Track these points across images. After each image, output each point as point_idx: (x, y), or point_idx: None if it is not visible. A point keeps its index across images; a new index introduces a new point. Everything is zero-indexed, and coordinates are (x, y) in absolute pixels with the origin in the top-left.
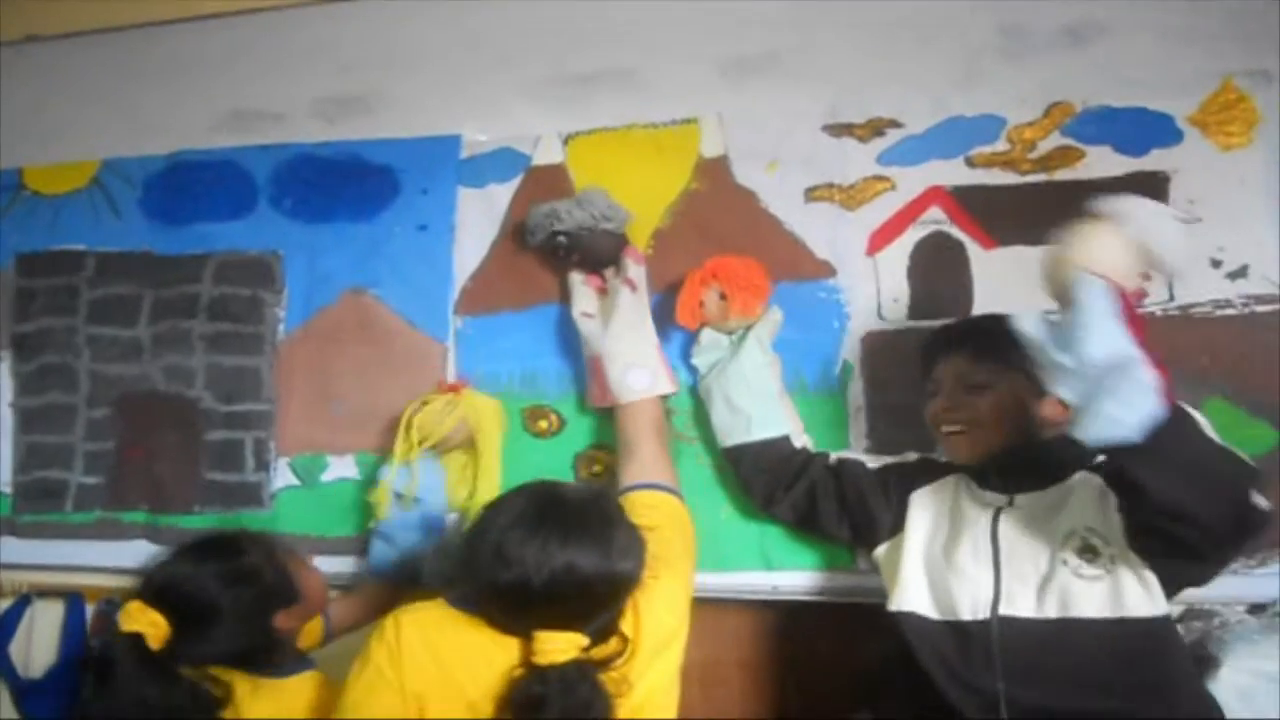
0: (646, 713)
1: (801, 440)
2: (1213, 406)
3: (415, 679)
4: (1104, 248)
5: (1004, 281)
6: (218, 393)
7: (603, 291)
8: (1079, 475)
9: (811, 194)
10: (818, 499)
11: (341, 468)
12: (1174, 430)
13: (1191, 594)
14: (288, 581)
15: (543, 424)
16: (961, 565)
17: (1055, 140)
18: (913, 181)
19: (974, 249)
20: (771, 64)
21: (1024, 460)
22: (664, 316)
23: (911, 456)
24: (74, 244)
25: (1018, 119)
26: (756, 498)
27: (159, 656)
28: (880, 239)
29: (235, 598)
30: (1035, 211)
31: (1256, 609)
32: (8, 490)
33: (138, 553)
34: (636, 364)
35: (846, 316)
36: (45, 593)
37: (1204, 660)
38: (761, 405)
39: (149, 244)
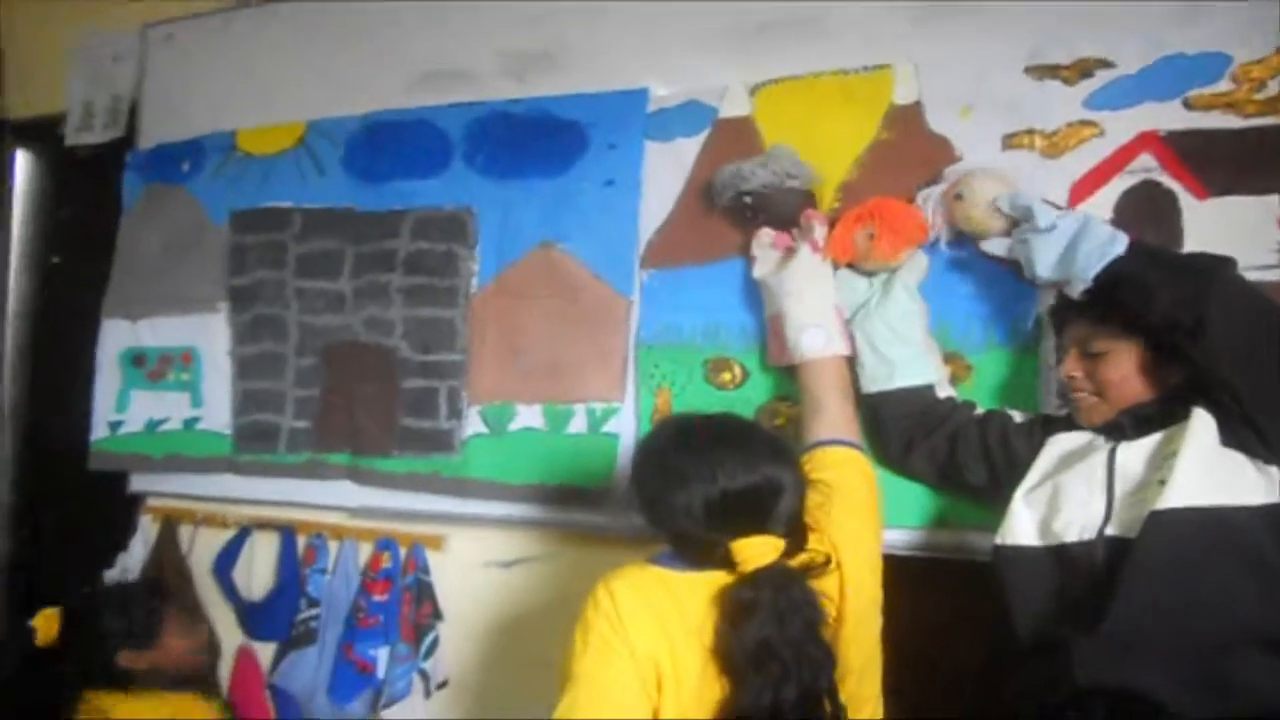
0: (863, 681)
1: (946, 391)
2: None
3: (642, 641)
4: (989, 188)
5: (1217, 234)
6: (414, 343)
7: (788, 250)
8: (1194, 414)
9: (1010, 141)
10: (958, 446)
11: (528, 417)
12: (1143, 245)
13: None
14: (147, 632)
15: (725, 376)
16: (1073, 489)
17: None
18: (1122, 126)
19: (1186, 199)
20: (970, 3)
21: (1147, 415)
22: None
23: (1063, 411)
24: (282, 201)
25: (1244, 56)
26: (893, 446)
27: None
28: (1084, 188)
29: (91, 630)
30: (1258, 158)
31: None
32: (228, 432)
33: (342, 492)
34: (812, 324)
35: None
36: (263, 525)
37: None
38: (906, 352)
39: (351, 201)
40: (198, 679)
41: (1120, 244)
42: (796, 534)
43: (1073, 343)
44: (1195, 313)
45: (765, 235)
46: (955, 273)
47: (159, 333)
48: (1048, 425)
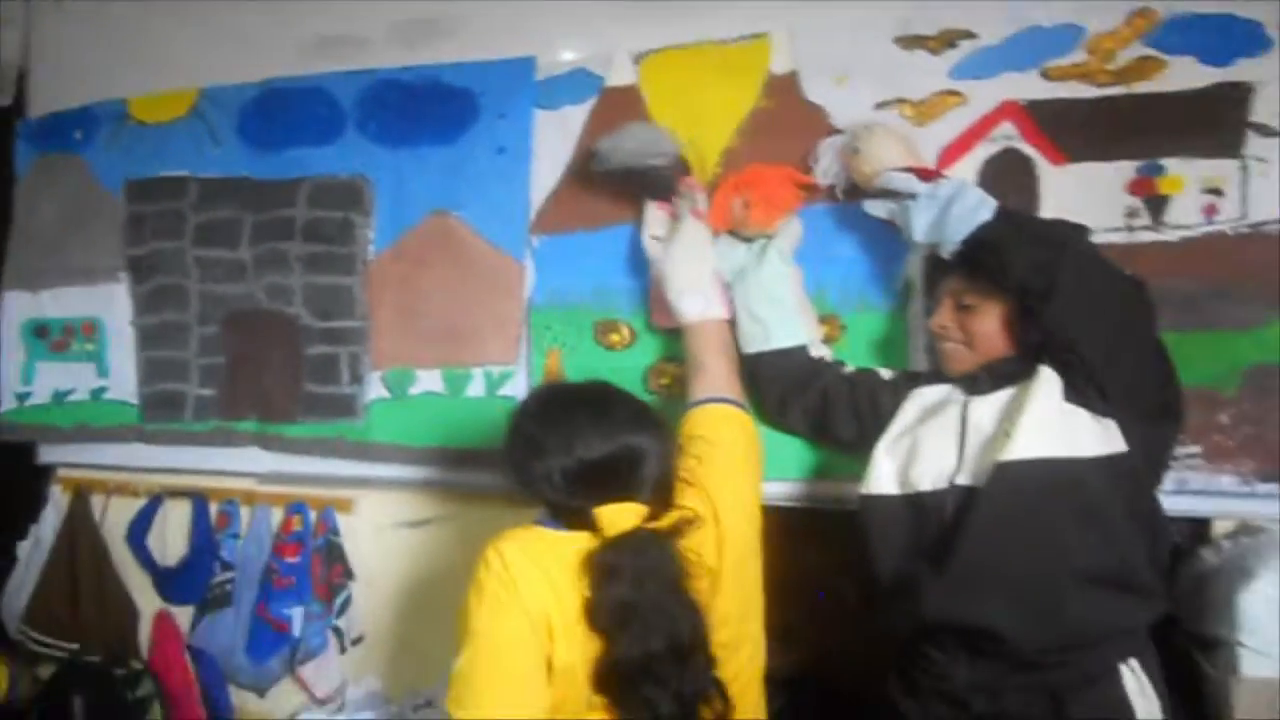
0: (744, 622)
1: (819, 351)
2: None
3: (532, 596)
4: (885, 147)
5: (1072, 198)
6: (315, 310)
7: (674, 217)
8: (1040, 371)
9: (881, 109)
10: (829, 403)
11: (428, 381)
12: (1008, 212)
13: (1246, 509)
14: None
15: (614, 337)
16: (928, 441)
17: (1136, 50)
18: (985, 95)
19: (1044, 165)
20: None
21: (1004, 371)
22: None
23: (924, 369)
24: (178, 170)
25: (1098, 28)
26: (770, 404)
27: None
28: (950, 155)
29: None
30: (1110, 126)
31: None
32: (135, 401)
33: (251, 458)
34: (690, 289)
35: (914, 242)
36: (174, 493)
37: (1240, 572)
38: (779, 314)
39: (247, 169)
40: None
41: (987, 209)
42: (662, 497)
43: (947, 294)
44: (1047, 279)
45: (651, 203)
46: (830, 237)
47: (61, 304)
48: (912, 381)
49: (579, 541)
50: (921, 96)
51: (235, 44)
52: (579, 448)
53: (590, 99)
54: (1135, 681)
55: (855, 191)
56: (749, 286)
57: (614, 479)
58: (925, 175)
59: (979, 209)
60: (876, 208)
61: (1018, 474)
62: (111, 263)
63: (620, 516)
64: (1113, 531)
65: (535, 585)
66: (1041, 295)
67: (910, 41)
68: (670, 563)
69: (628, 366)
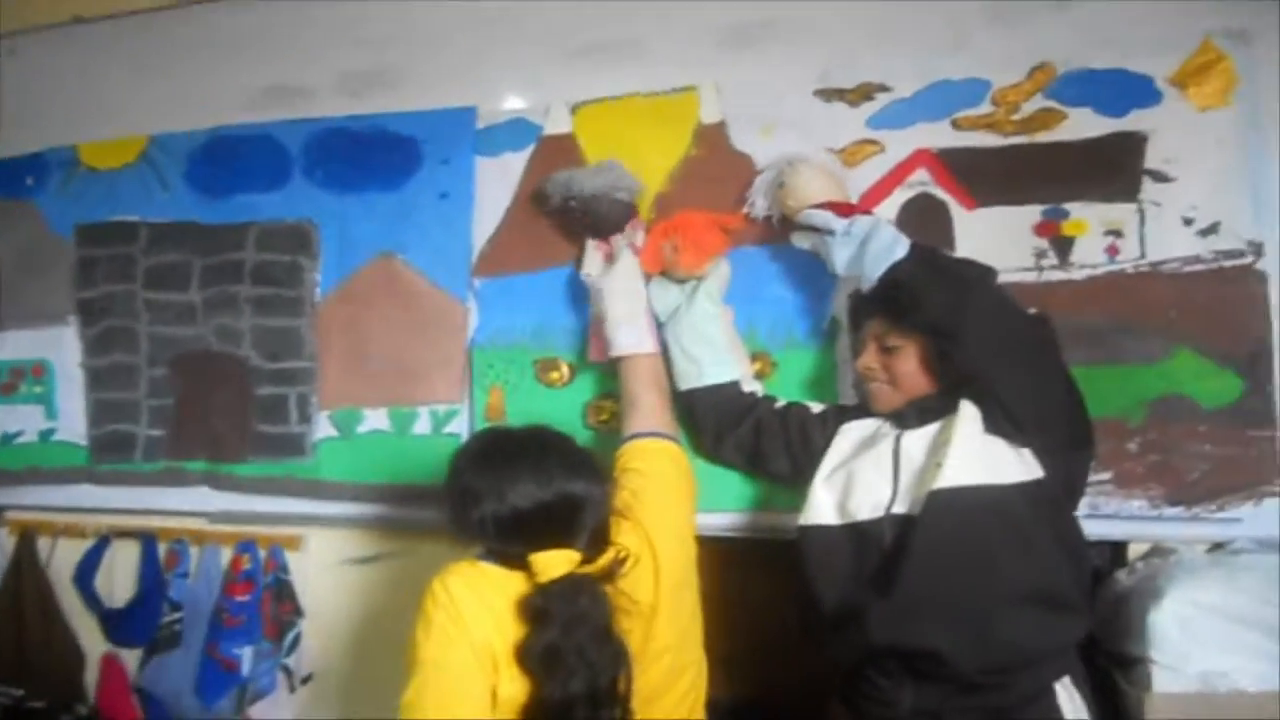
0: (682, 651)
1: (751, 386)
2: (1181, 358)
3: (477, 628)
4: (809, 180)
5: (984, 240)
6: (264, 351)
7: (609, 257)
8: (962, 405)
9: None
10: (762, 437)
11: (375, 420)
12: (922, 250)
13: (1156, 533)
14: None
15: (554, 375)
16: (864, 473)
17: (1038, 103)
18: (900, 144)
19: (956, 209)
20: (767, 31)
21: (929, 407)
22: None
23: (852, 402)
24: (128, 215)
25: (1002, 81)
26: (706, 439)
27: None
28: (869, 200)
29: None
30: (1016, 173)
31: (1215, 548)
32: (84, 443)
33: (201, 498)
34: (625, 322)
35: (836, 275)
36: (123, 533)
37: (1151, 592)
38: (711, 352)
39: (196, 214)
40: None
41: (902, 248)
42: (597, 540)
43: (871, 337)
44: (955, 319)
45: (590, 241)
46: (761, 277)
47: (10, 346)
48: (840, 415)
49: (517, 579)
50: (842, 145)
51: (184, 92)
52: (512, 496)
53: (529, 146)
54: (1069, 699)
55: (788, 223)
56: (681, 326)
57: (547, 526)
58: (844, 211)
59: (894, 247)
60: (802, 239)
61: (949, 501)
62: (62, 306)
63: (553, 563)
64: (1040, 554)
65: (479, 617)
66: (950, 335)
67: (830, 94)
68: (599, 608)
69: (567, 403)
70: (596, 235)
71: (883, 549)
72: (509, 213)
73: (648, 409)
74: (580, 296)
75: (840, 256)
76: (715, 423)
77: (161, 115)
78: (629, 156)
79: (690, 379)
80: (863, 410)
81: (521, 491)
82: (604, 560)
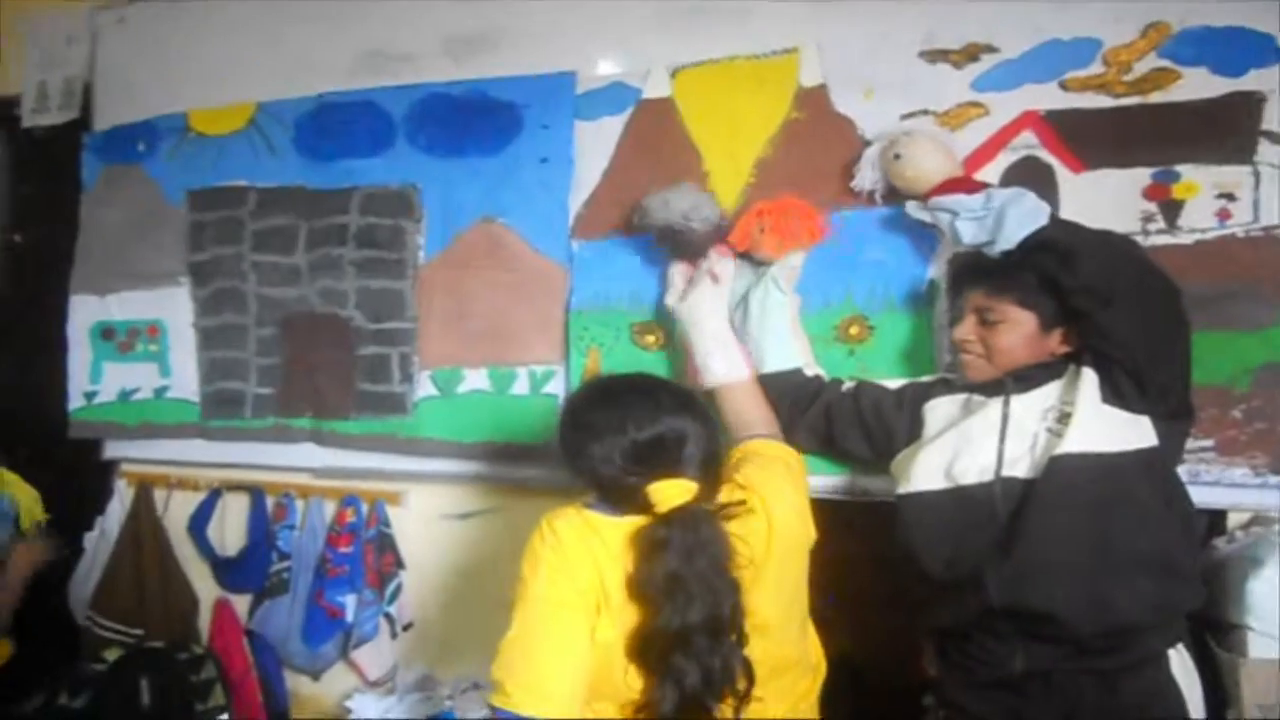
0: (784, 628)
1: (814, 371)
2: None
3: (582, 571)
4: (926, 153)
5: (1090, 203)
6: (367, 313)
7: (690, 281)
8: (1084, 372)
9: (907, 120)
10: (834, 420)
11: (475, 380)
12: (1062, 219)
13: (1258, 501)
14: None
15: (650, 338)
16: (971, 437)
17: (1151, 62)
18: (1006, 106)
19: (1063, 173)
20: None
21: (1027, 375)
22: None
23: (928, 378)
24: (237, 180)
25: (1114, 40)
26: (781, 423)
27: None
28: (972, 164)
29: None
30: (1126, 135)
31: None
32: (196, 400)
33: (307, 454)
34: (714, 352)
35: (936, 239)
36: (233, 487)
37: (1251, 560)
38: (773, 340)
39: (302, 179)
40: None
41: (1043, 214)
42: (710, 478)
43: (971, 309)
44: (1110, 281)
45: (675, 266)
46: (860, 241)
47: (126, 307)
48: (921, 392)
49: (623, 527)
50: (945, 108)
51: (291, 59)
52: (631, 428)
53: (627, 110)
54: (1182, 666)
55: (893, 195)
56: (749, 312)
57: (664, 456)
58: (971, 189)
59: (1036, 213)
60: (919, 211)
61: (1071, 466)
62: (173, 268)
63: (672, 492)
64: (1156, 521)
65: (583, 559)
66: (1103, 297)
67: (934, 55)
68: (718, 541)
69: (662, 367)
70: (682, 258)
71: (993, 513)
72: (606, 176)
73: (757, 422)
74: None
75: (967, 230)
76: (786, 409)
77: (269, 82)
78: (729, 120)
79: (757, 364)
80: (944, 386)
81: (638, 423)
82: (723, 497)
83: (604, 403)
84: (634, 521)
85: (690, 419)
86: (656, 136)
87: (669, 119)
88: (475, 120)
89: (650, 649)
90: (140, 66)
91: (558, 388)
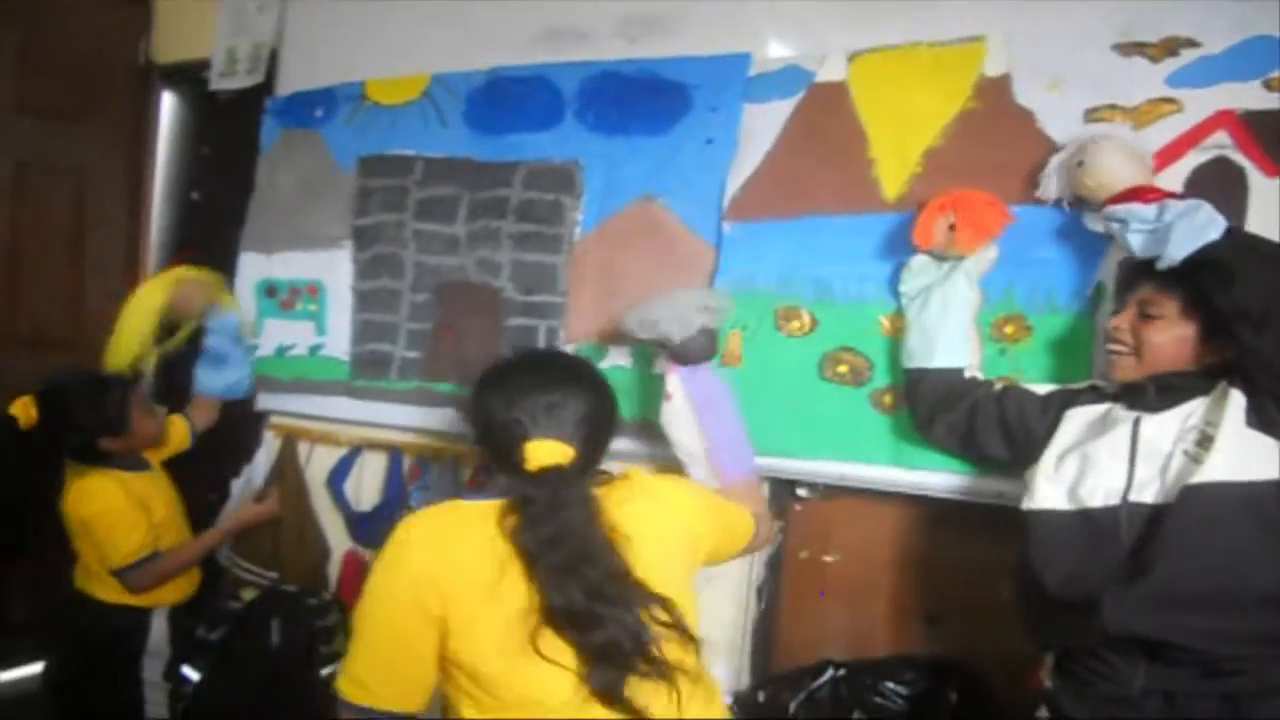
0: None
1: (973, 374)
2: None
3: (423, 569)
4: (1113, 161)
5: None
6: (519, 284)
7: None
8: (1231, 395)
9: (1092, 115)
10: (977, 420)
11: (618, 356)
12: (1240, 234)
13: None
14: (121, 420)
15: (795, 324)
16: (1099, 458)
17: None
18: (1201, 104)
19: (1256, 177)
20: None
21: (1171, 385)
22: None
23: (1078, 384)
24: (406, 149)
25: None
26: (919, 418)
27: (20, 432)
28: (1157, 163)
29: (75, 416)
30: None
31: None
32: (346, 359)
33: (447, 418)
34: (690, 465)
35: (1108, 240)
36: (373, 445)
37: None
38: (951, 336)
39: (469, 151)
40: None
41: (1216, 229)
42: (590, 449)
43: (1135, 300)
44: (1266, 306)
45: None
46: (1024, 238)
47: (290, 266)
48: (1067, 399)
49: (495, 505)
50: (1135, 103)
51: (467, 33)
52: (527, 385)
53: (798, 94)
54: None
55: (1081, 203)
56: (930, 304)
57: (547, 416)
58: (1149, 197)
59: (1207, 228)
60: (1094, 222)
61: (1208, 495)
62: (338, 231)
63: (545, 451)
64: None
65: (434, 553)
66: (1256, 323)
67: (1130, 48)
68: (583, 501)
69: (805, 353)
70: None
71: (1118, 537)
72: (768, 157)
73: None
74: (832, 245)
75: (1137, 241)
76: (931, 405)
77: (445, 55)
78: (902, 106)
79: (920, 358)
80: (1092, 394)
81: (534, 380)
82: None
83: (508, 367)
84: (497, 504)
85: (576, 384)
86: (824, 121)
87: (840, 104)
88: (644, 99)
89: (564, 616)
90: (324, 36)
91: None
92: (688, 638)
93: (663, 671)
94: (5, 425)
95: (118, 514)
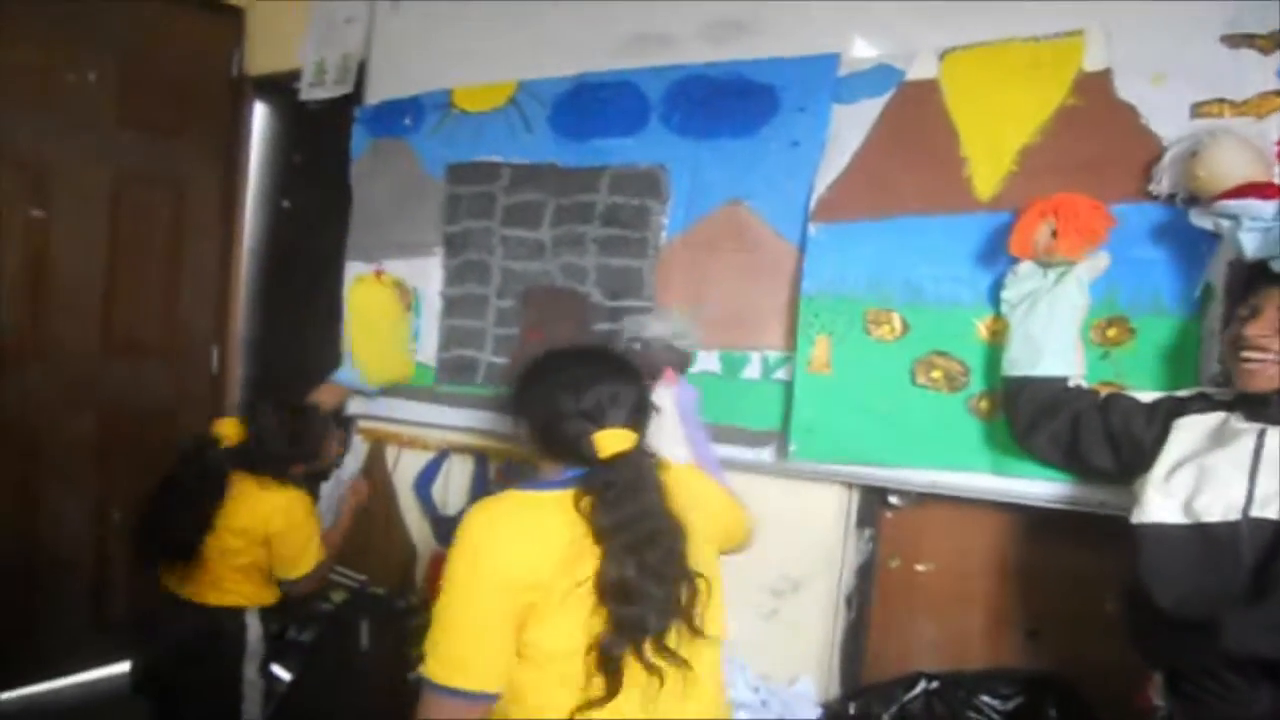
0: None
1: (1077, 383)
2: None
3: (503, 556)
4: (1229, 153)
5: None
6: (605, 289)
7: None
8: None
9: (1199, 109)
10: (1081, 430)
11: (707, 362)
12: None
13: None
14: (316, 447)
15: (885, 329)
16: (1218, 470)
17: None
18: None
19: None
20: None
21: None
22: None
23: (1186, 391)
24: (492, 155)
25: None
26: (1019, 427)
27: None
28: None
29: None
30: None
31: None
32: (432, 364)
33: None
34: (673, 450)
35: (1216, 238)
36: (459, 449)
37: None
38: (1057, 342)
39: (555, 157)
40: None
41: None
42: (642, 434)
43: (1273, 306)
44: None
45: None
46: (1128, 237)
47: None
48: (1176, 407)
49: (553, 494)
50: (1244, 97)
51: (552, 41)
52: (585, 382)
53: (887, 93)
54: None
55: (1191, 200)
56: (1037, 310)
57: (607, 410)
58: (1271, 193)
59: None
60: (1203, 219)
61: None
62: (430, 239)
63: (615, 439)
64: None
65: (510, 542)
66: None
67: (1238, 40)
68: (659, 481)
69: (895, 358)
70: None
71: (1238, 555)
72: (857, 157)
73: None
74: (924, 246)
75: (1251, 241)
76: (1032, 413)
77: (530, 62)
78: (996, 104)
79: (1023, 366)
80: (1203, 402)
81: (591, 376)
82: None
83: (562, 362)
84: (563, 492)
85: (628, 377)
86: (915, 120)
87: (931, 102)
88: (730, 102)
89: (618, 589)
90: (411, 45)
91: (789, 374)
92: (699, 633)
93: (654, 667)
94: (206, 443)
95: (310, 526)
